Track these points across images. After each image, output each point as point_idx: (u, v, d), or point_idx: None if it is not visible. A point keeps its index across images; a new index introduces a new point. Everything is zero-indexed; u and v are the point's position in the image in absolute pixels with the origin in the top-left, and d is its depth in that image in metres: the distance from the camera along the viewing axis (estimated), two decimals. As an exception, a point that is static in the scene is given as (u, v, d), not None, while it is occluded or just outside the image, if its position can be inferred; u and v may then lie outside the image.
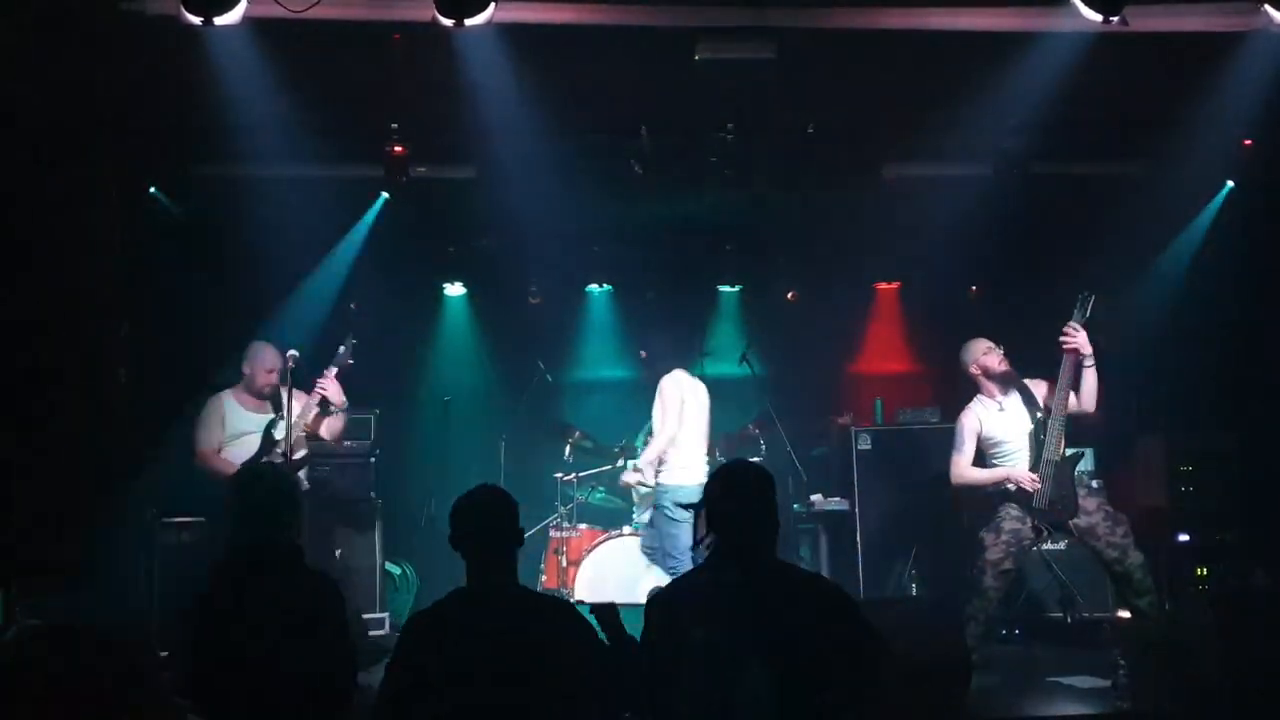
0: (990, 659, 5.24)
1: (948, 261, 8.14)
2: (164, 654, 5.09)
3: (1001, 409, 5.47)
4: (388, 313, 7.85)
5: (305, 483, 5.44)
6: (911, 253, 8.05)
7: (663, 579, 6.42)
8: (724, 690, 2.63)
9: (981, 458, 5.51)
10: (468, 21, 4.61)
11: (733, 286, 8.67)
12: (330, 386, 5.41)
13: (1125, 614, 5.81)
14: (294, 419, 5.37)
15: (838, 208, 7.87)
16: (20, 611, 5.02)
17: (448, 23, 4.62)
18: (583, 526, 6.85)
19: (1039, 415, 5.38)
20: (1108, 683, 4.56)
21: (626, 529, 6.69)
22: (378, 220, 7.41)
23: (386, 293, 7.99)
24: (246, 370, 5.56)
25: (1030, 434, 5.37)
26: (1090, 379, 5.27)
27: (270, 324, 7.20)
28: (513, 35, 5.16)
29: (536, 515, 7.24)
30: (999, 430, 5.44)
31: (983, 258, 8.32)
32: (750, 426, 7.20)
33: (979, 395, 5.56)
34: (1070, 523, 5.27)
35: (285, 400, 5.38)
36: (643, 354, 5.95)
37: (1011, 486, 5.35)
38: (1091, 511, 5.28)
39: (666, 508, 5.77)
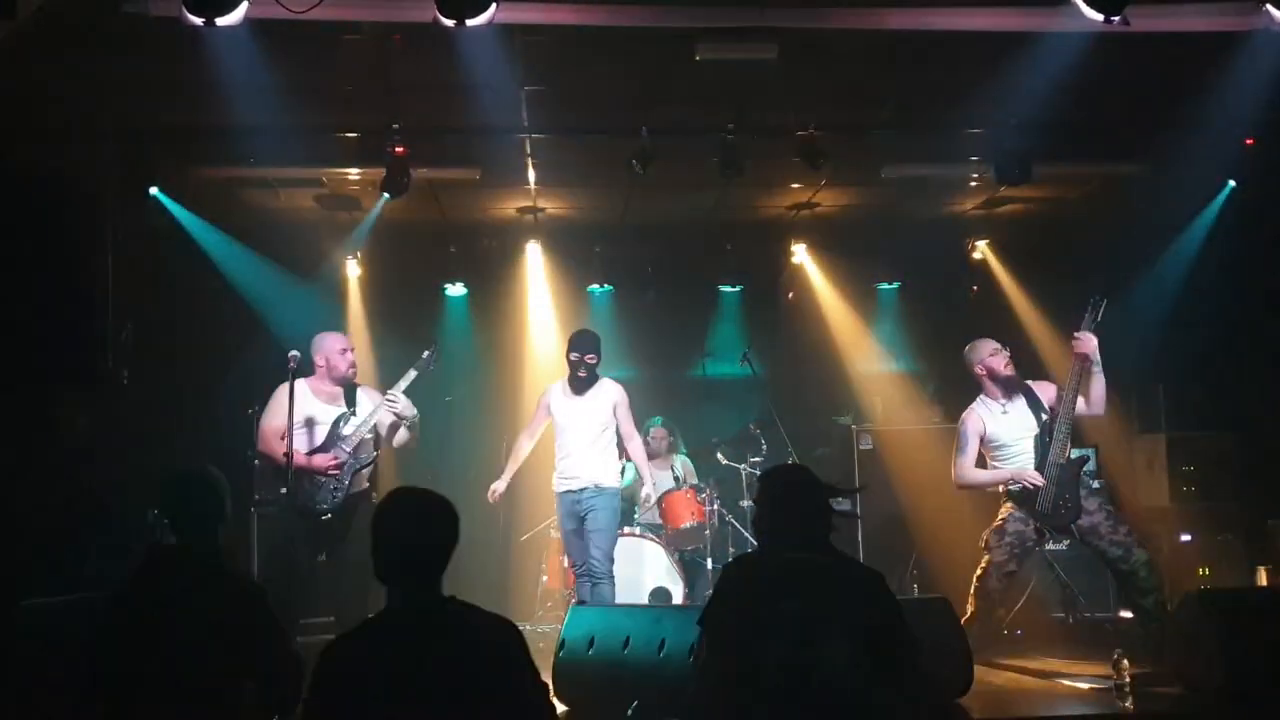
0: (991, 660, 5.24)
1: (949, 261, 8.16)
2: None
3: (1005, 411, 5.46)
4: (389, 313, 7.86)
5: (365, 482, 5.41)
6: (912, 252, 8.05)
7: (661, 579, 6.43)
8: (800, 660, 2.78)
9: (983, 460, 5.50)
10: (469, 22, 4.60)
11: (733, 286, 8.67)
12: (400, 400, 5.33)
13: (1127, 614, 5.82)
14: (364, 418, 5.35)
15: (838, 207, 7.89)
16: (25, 613, 5.02)
17: (449, 23, 4.62)
18: (584, 527, 6.84)
19: (1044, 418, 5.37)
20: (1109, 683, 4.55)
21: (627, 529, 6.69)
22: (380, 220, 7.41)
23: (389, 293, 8.01)
24: (320, 360, 5.42)
25: (1035, 437, 5.37)
26: (1099, 383, 5.28)
27: (271, 325, 7.22)
28: (513, 35, 5.16)
29: (538, 516, 7.25)
30: (1002, 432, 5.43)
31: (983, 257, 8.35)
32: (751, 426, 7.20)
33: (982, 396, 5.54)
34: (1072, 525, 5.27)
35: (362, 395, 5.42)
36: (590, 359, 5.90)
37: (1015, 487, 5.35)
38: (1093, 511, 5.29)
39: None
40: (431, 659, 2.51)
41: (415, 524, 2.63)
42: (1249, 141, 6.59)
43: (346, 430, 5.34)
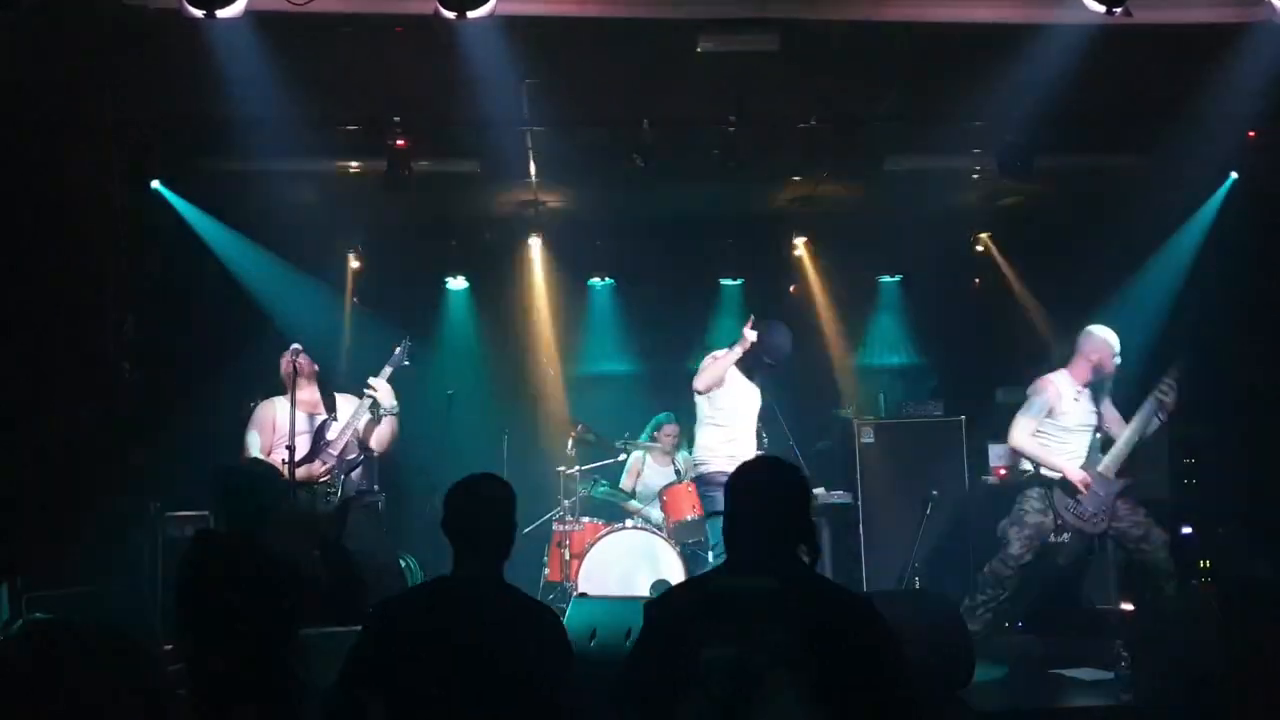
0: (993, 651, 5.24)
1: (950, 254, 8.15)
2: (168, 647, 5.14)
3: (1076, 398, 5.54)
4: (390, 307, 7.85)
5: (364, 481, 5.44)
6: (914, 245, 8.05)
7: (662, 572, 6.42)
8: (741, 707, 2.28)
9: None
10: (470, 14, 4.60)
11: (735, 280, 8.65)
12: (381, 388, 5.37)
13: (1128, 606, 5.83)
14: (346, 421, 5.35)
15: (840, 200, 7.87)
16: (26, 605, 5.04)
17: (450, 15, 4.62)
18: (585, 520, 6.85)
19: (1101, 426, 5.52)
20: (1111, 674, 4.55)
21: (629, 522, 6.69)
22: (381, 214, 7.40)
23: (389, 287, 8.00)
24: (283, 366, 5.49)
25: (1091, 437, 5.50)
26: (1155, 426, 5.53)
27: (273, 318, 7.22)
28: (515, 28, 5.15)
29: (539, 509, 7.25)
30: (1069, 414, 5.52)
31: (985, 251, 8.34)
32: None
33: (1067, 373, 5.59)
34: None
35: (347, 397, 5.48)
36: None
37: (1058, 475, 5.41)
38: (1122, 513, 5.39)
39: None
40: (466, 625, 2.73)
41: (473, 505, 2.98)
42: (1251, 134, 6.58)
43: (330, 435, 5.35)
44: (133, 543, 5.92)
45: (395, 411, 5.44)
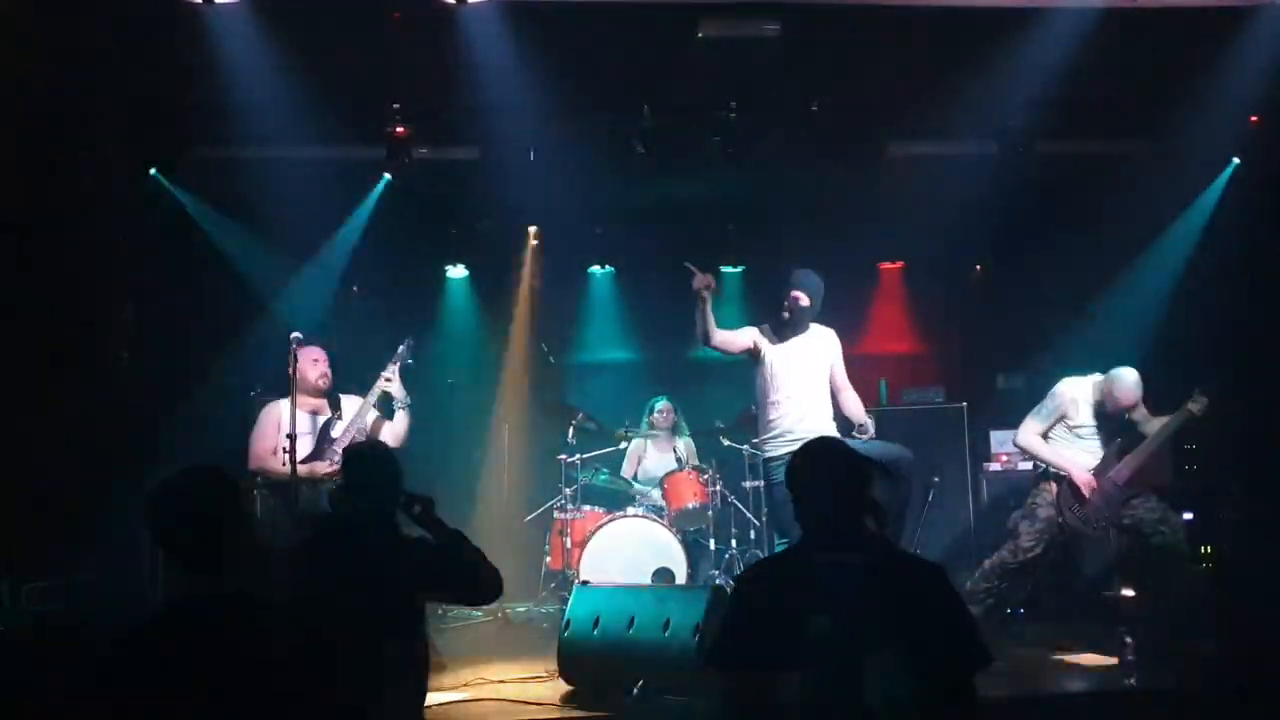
0: (995, 637, 5.24)
1: (952, 241, 8.12)
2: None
3: (1095, 411, 5.54)
4: (390, 295, 7.83)
5: None
6: (915, 232, 8.02)
7: (664, 560, 6.41)
8: (839, 686, 2.44)
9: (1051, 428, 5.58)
10: (469, -1, 4.58)
11: (735, 267, 8.63)
12: (394, 381, 5.33)
13: (1130, 592, 5.83)
14: (350, 419, 5.31)
15: (841, 187, 7.84)
16: (26, 596, 5.03)
17: (450, 0, 4.59)
18: (587, 508, 6.85)
19: (1119, 440, 5.49)
20: (1113, 660, 4.56)
21: (631, 510, 6.69)
22: (380, 202, 7.37)
23: (389, 275, 7.97)
24: (292, 372, 5.28)
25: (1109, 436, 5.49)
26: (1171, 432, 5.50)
27: (272, 306, 7.20)
28: (514, 13, 5.12)
29: (540, 497, 7.25)
30: (1084, 424, 5.52)
31: (987, 237, 8.31)
32: (753, 408, 7.15)
33: (1091, 384, 5.53)
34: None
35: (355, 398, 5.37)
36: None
37: (1062, 473, 5.44)
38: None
39: None
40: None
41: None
42: (1254, 119, 6.55)
43: (335, 433, 5.31)
44: (132, 534, 5.91)
45: (408, 404, 5.41)
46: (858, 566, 2.53)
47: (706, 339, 5.28)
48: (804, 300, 5.32)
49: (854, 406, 5.45)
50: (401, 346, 5.47)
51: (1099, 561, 6.28)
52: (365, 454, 3.74)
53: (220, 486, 2.48)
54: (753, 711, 2.53)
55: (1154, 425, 5.54)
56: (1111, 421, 5.51)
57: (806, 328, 5.43)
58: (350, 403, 5.46)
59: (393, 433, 5.44)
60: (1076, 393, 5.53)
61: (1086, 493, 5.36)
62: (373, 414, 5.38)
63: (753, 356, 5.43)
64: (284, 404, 5.26)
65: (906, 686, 2.41)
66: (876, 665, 2.42)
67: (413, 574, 3.38)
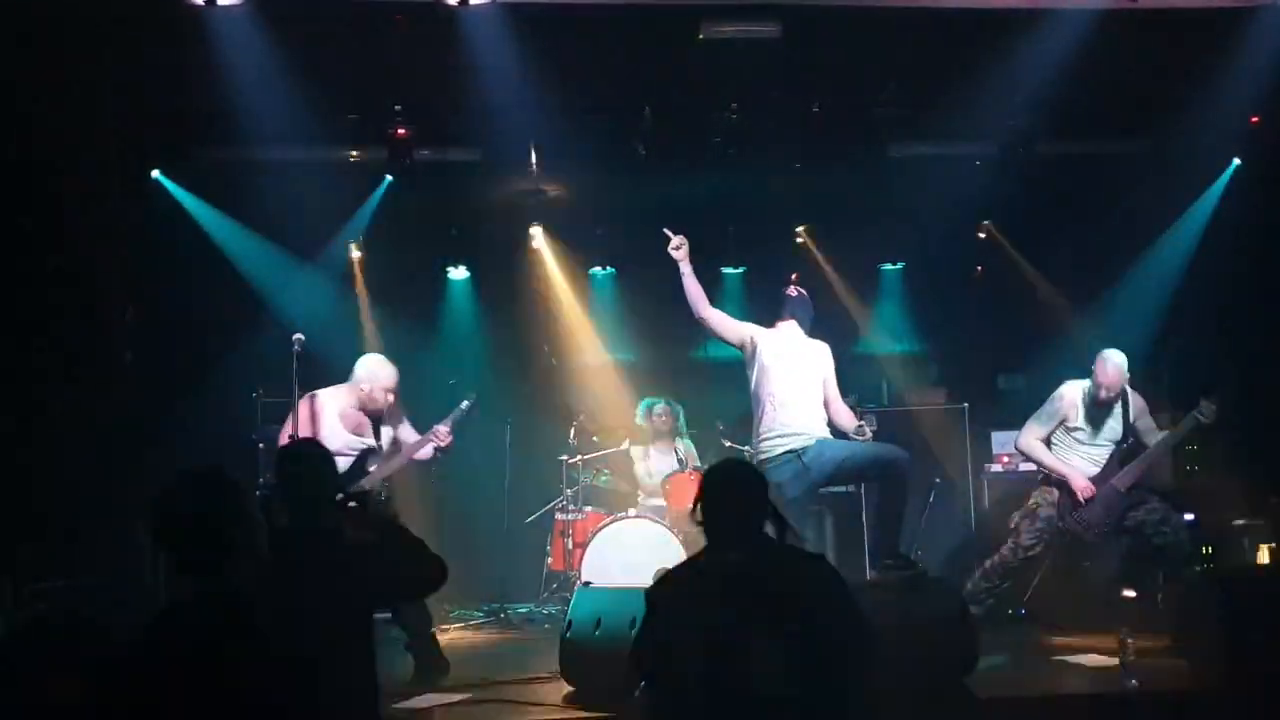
0: (995, 639, 5.25)
1: (953, 242, 8.13)
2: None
3: (1094, 410, 5.53)
4: (392, 296, 7.84)
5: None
6: (916, 233, 8.03)
7: (665, 561, 6.43)
8: (730, 672, 2.69)
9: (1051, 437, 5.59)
10: (471, 1, 4.59)
11: (736, 268, 8.64)
12: (446, 439, 5.29)
13: (1131, 593, 5.84)
14: (390, 461, 5.25)
15: (842, 188, 7.85)
16: (28, 598, 5.04)
17: (451, 2, 4.60)
18: (588, 509, 6.86)
19: (1128, 437, 5.50)
20: (1115, 661, 4.56)
21: (632, 511, 6.70)
22: (382, 204, 7.37)
23: (391, 276, 7.99)
24: (363, 387, 5.16)
25: (1112, 443, 5.51)
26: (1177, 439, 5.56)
27: (274, 308, 7.21)
28: (516, 15, 5.13)
29: (542, 499, 7.26)
30: (1085, 427, 5.53)
31: (988, 238, 8.32)
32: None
33: (1089, 383, 5.53)
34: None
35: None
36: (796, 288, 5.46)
37: (1059, 478, 5.47)
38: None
39: None
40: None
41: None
42: (1254, 119, 6.56)
43: (370, 467, 5.19)
44: (134, 534, 5.92)
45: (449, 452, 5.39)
46: (745, 565, 2.81)
47: (696, 310, 5.36)
48: (804, 293, 5.52)
49: (844, 418, 5.52)
50: (465, 403, 5.40)
51: (1101, 563, 6.29)
52: (301, 453, 3.44)
53: (221, 487, 2.47)
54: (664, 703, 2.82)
55: (1158, 435, 5.55)
56: (1102, 411, 5.49)
57: (805, 331, 5.52)
58: (391, 430, 5.36)
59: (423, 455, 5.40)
60: (1076, 396, 5.54)
61: (1084, 499, 5.38)
62: (418, 449, 5.32)
63: (746, 354, 5.46)
64: (329, 402, 5.10)
65: (793, 672, 2.65)
66: (763, 654, 2.66)
67: (366, 586, 3.09)
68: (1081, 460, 5.53)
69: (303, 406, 5.12)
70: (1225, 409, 5.38)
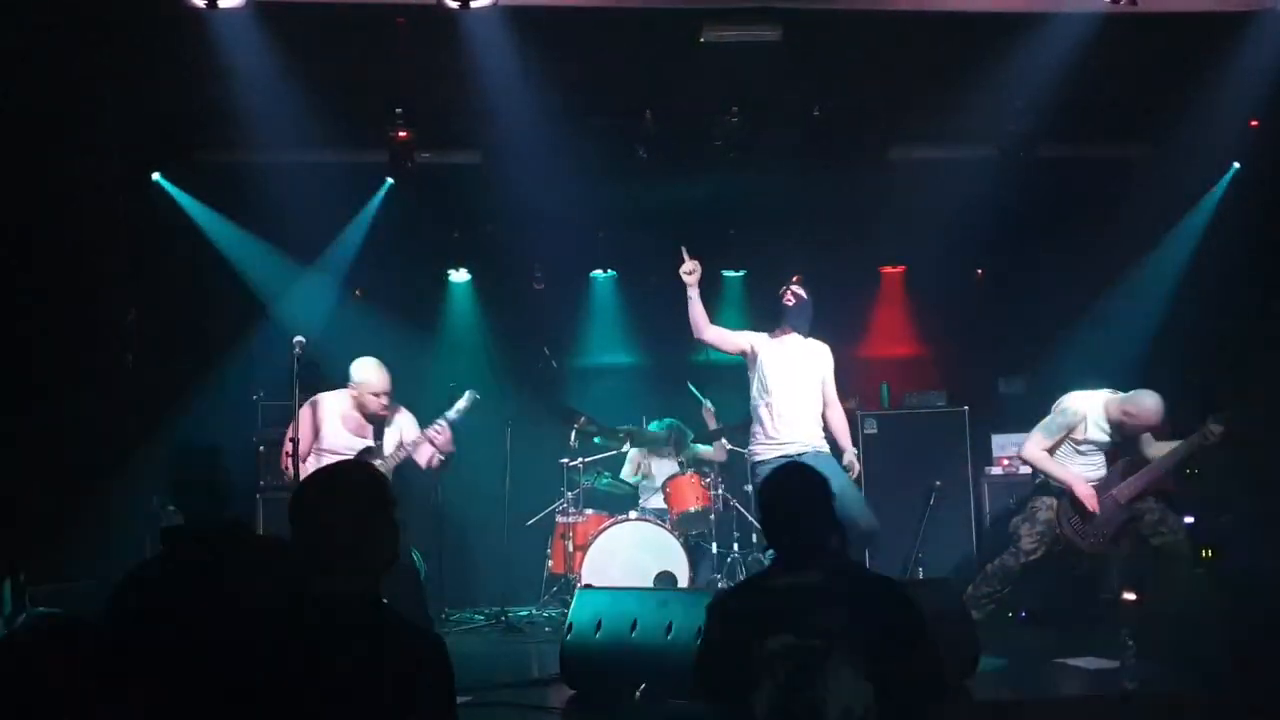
0: (995, 641, 5.25)
1: (954, 245, 8.13)
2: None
3: (1106, 432, 5.50)
4: (392, 299, 7.84)
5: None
6: (917, 236, 8.04)
7: (666, 563, 6.42)
8: (803, 700, 2.55)
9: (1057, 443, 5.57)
10: (473, 4, 4.60)
11: (737, 271, 8.65)
12: (442, 436, 5.27)
13: (1131, 595, 5.84)
14: (388, 457, 5.22)
15: (843, 191, 7.85)
16: (30, 599, 5.04)
17: (453, 5, 4.61)
18: (589, 511, 6.86)
19: (1127, 458, 5.50)
20: (1115, 663, 4.55)
21: (633, 514, 6.70)
22: (383, 206, 7.38)
23: (391, 279, 7.99)
24: (354, 392, 5.21)
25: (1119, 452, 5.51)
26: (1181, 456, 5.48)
27: (275, 310, 7.22)
28: (517, 18, 5.14)
29: (542, 501, 7.26)
30: (1093, 441, 5.51)
31: (988, 241, 8.32)
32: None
33: (1104, 403, 5.49)
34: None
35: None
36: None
37: (1064, 487, 5.45)
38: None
39: None
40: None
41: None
42: (1254, 123, 6.57)
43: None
44: (134, 535, 5.92)
45: (449, 454, 5.37)
46: (817, 585, 2.64)
47: (697, 332, 5.47)
48: (801, 292, 5.52)
49: (839, 425, 5.60)
50: (462, 401, 5.40)
51: (1103, 567, 6.29)
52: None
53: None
54: None
55: (1160, 449, 5.53)
56: (1125, 439, 5.51)
57: (806, 333, 5.55)
58: (395, 427, 5.35)
59: (425, 459, 5.40)
60: (1088, 410, 5.49)
61: (1090, 509, 5.37)
62: (418, 447, 5.31)
63: (747, 361, 5.54)
64: (330, 406, 5.14)
65: (867, 700, 2.50)
66: (837, 681, 2.51)
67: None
68: (1080, 468, 5.52)
69: (305, 411, 5.14)
70: (1231, 429, 5.35)
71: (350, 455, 5.12)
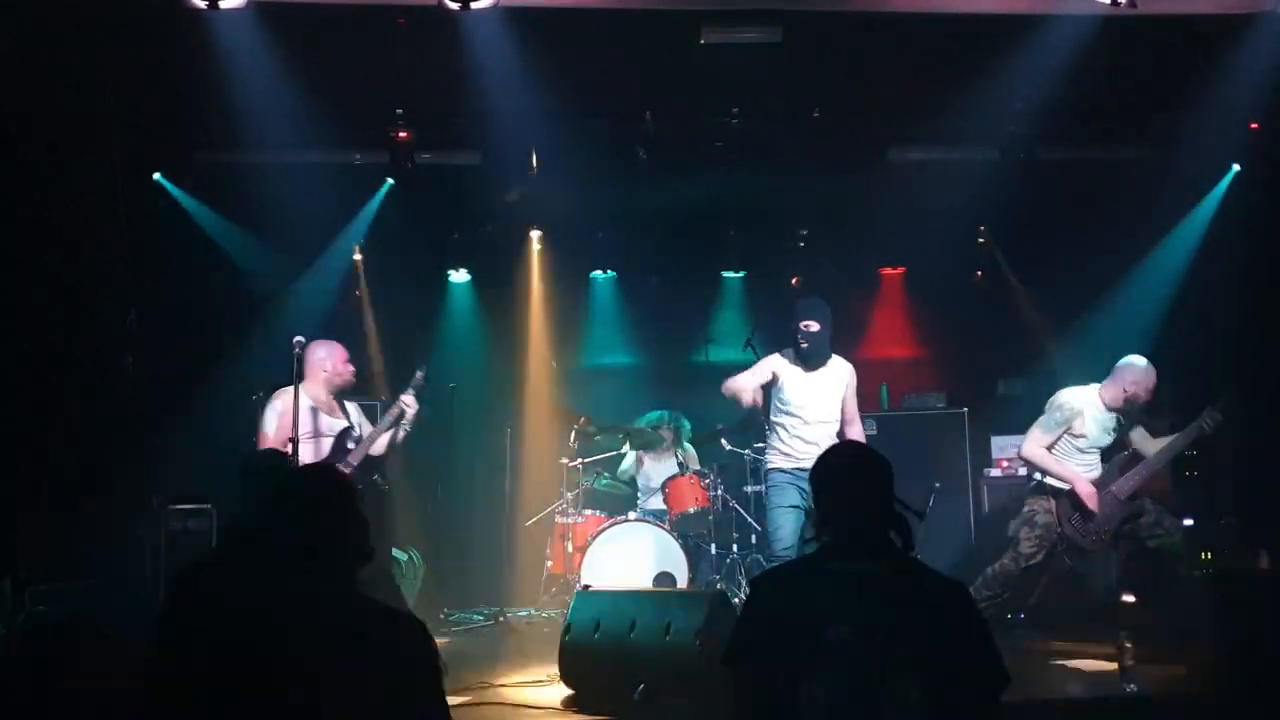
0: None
1: (953, 246, 8.14)
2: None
3: (1099, 418, 5.51)
4: (393, 299, 7.85)
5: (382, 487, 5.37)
6: (917, 238, 8.04)
7: (665, 564, 6.42)
8: (859, 700, 2.34)
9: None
10: (473, 5, 4.60)
11: (737, 272, 8.65)
12: (411, 403, 5.31)
13: (1130, 598, 5.84)
14: (367, 436, 5.27)
15: (843, 192, 7.86)
16: (30, 598, 5.04)
17: (453, 6, 4.61)
18: (588, 512, 6.86)
19: (1124, 447, 5.51)
20: (1114, 666, 4.56)
21: (632, 514, 6.70)
22: (383, 207, 7.39)
23: (392, 280, 7.99)
24: (322, 368, 5.31)
25: (1111, 455, 5.53)
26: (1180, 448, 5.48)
27: (275, 310, 7.22)
28: (517, 18, 5.14)
29: (542, 502, 7.26)
30: (1089, 434, 5.51)
31: (987, 242, 8.33)
32: (761, 416, 7.18)
33: (1099, 391, 5.53)
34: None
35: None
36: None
37: (1067, 487, 5.45)
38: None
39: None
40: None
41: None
42: (1253, 125, 6.57)
43: (350, 445, 5.27)
44: (134, 536, 5.93)
45: (417, 422, 5.40)
46: (877, 577, 2.44)
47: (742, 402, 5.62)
48: (814, 326, 5.50)
49: (857, 438, 5.63)
50: (418, 373, 5.44)
51: (1102, 569, 6.29)
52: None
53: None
54: (767, 711, 2.41)
55: (1158, 444, 5.53)
56: (1111, 419, 5.50)
57: (828, 357, 5.62)
58: (354, 410, 5.44)
59: (390, 443, 5.44)
60: (1083, 404, 5.50)
61: (1092, 506, 5.37)
62: (386, 435, 5.35)
63: (769, 382, 5.64)
64: (287, 396, 5.20)
65: (923, 703, 2.33)
66: (894, 680, 2.33)
67: None
68: (1079, 466, 5.52)
69: (281, 399, 5.18)
70: (1229, 418, 5.36)
71: (331, 437, 5.25)
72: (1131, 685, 4.35)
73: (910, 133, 6.81)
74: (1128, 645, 4.47)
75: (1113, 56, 5.39)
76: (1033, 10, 5.21)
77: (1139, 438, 5.58)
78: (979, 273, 8.44)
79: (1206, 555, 6.77)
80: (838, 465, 2.66)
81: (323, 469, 2.59)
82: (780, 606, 2.48)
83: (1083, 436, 5.52)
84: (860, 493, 2.54)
